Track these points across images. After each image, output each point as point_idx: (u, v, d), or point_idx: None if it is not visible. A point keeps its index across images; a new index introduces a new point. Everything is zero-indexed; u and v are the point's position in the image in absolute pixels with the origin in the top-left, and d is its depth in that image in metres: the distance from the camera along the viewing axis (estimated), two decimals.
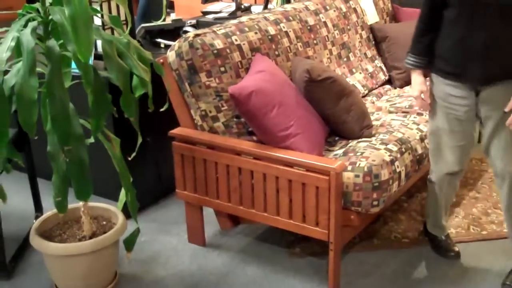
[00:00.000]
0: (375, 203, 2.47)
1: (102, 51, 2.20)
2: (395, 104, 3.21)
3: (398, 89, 3.66)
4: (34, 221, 3.02)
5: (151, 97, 2.38)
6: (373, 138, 2.71)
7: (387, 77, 3.72)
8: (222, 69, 2.72)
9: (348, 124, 2.74)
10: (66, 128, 2.21)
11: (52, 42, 2.21)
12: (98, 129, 2.34)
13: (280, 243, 2.97)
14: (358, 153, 2.54)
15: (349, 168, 2.47)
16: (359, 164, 2.46)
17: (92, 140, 2.41)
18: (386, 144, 2.62)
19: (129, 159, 2.57)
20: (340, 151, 2.63)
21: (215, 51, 2.71)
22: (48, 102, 2.15)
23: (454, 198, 2.89)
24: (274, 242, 2.98)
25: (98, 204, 2.77)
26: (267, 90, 2.54)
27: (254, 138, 2.72)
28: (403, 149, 2.64)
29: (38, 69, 2.37)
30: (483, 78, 2.32)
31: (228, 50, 2.76)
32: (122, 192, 2.69)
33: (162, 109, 2.55)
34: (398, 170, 2.55)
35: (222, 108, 2.71)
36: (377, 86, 3.61)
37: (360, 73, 3.53)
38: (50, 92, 2.15)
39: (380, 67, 3.72)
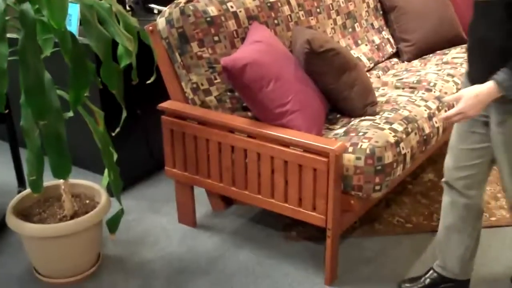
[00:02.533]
0: (377, 187, 2.28)
1: (81, 17, 1.99)
2: (402, 79, 2.99)
3: (406, 62, 3.44)
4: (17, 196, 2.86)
5: (135, 68, 2.18)
6: (377, 116, 2.50)
7: (394, 50, 3.50)
8: (216, 38, 2.51)
9: (351, 101, 2.53)
10: (41, 101, 2.01)
11: (26, 6, 1.99)
12: (78, 102, 2.14)
13: (275, 226, 2.80)
14: (360, 133, 2.34)
15: (350, 149, 2.27)
16: (361, 145, 2.27)
17: (71, 114, 2.22)
18: (391, 124, 2.42)
19: (113, 134, 2.39)
20: (341, 131, 2.44)
21: (208, 19, 2.49)
22: (20, 72, 1.95)
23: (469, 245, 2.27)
24: (268, 225, 2.81)
25: (80, 181, 2.60)
26: (263, 63, 2.34)
27: (249, 114, 2.52)
28: (409, 129, 2.44)
29: (13, 35, 2.18)
30: None
31: (222, 18, 2.54)
32: (106, 170, 2.52)
33: (148, 81, 2.35)
34: (403, 152, 2.36)
35: (215, 81, 2.51)
36: (383, 59, 3.39)
37: (366, 45, 3.31)
38: (22, 61, 1.94)
39: (388, 38, 3.49)
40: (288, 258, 2.58)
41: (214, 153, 2.50)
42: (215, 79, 2.50)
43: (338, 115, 2.64)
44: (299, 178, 2.30)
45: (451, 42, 3.49)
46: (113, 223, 2.42)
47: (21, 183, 3.02)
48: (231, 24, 2.57)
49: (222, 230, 2.78)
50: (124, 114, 2.31)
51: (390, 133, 2.35)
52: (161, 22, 2.53)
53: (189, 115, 2.53)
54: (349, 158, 2.26)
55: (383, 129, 2.36)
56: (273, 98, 2.33)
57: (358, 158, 2.25)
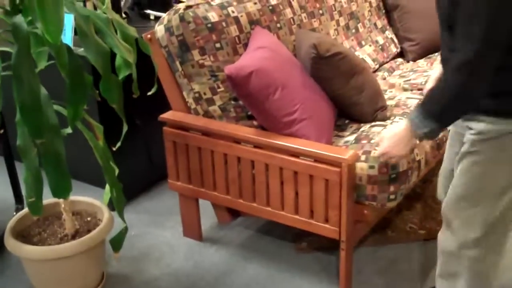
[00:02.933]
0: (392, 197, 2.19)
1: (77, 28, 1.88)
2: (409, 80, 2.90)
3: (411, 62, 3.34)
4: (14, 213, 2.75)
5: (136, 81, 2.08)
6: (388, 122, 2.41)
7: (398, 50, 3.40)
8: (218, 45, 2.40)
9: (360, 106, 2.44)
10: (38, 119, 1.91)
11: (19, 18, 1.89)
12: (76, 117, 2.03)
13: (284, 237, 2.70)
14: (373, 140, 2.24)
15: (363, 158, 2.18)
16: (374, 153, 2.17)
17: (70, 131, 2.11)
18: None
19: (114, 149, 2.28)
20: (352, 138, 2.34)
21: (209, 25, 2.39)
22: (14, 88, 1.85)
23: None
24: (278, 236, 2.71)
25: (81, 198, 2.49)
26: (268, 70, 2.23)
27: (255, 123, 2.42)
28: None
29: (6, 48, 2.08)
30: None
31: (224, 24, 2.44)
32: (108, 186, 2.42)
33: (149, 93, 2.24)
34: (417, 158, 2.26)
35: (218, 90, 2.40)
36: (388, 59, 3.30)
37: (370, 45, 3.21)
38: (17, 77, 1.84)
39: (391, 38, 3.39)
40: (300, 271, 2.48)
41: (220, 164, 2.40)
42: (218, 87, 2.40)
43: (347, 121, 2.54)
44: (310, 189, 2.21)
45: None
46: (117, 242, 2.31)
47: (19, 201, 2.90)
48: (233, 30, 2.46)
49: (229, 243, 2.68)
50: (125, 128, 2.21)
51: None
52: (159, 29, 2.42)
53: (192, 126, 2.42)
54: (361, 167, 2.16)
55: None
56: (280, 106, 2.23)
57: (371, 167, 2.15)
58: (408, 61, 3.37)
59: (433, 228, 2.70)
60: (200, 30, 2.36)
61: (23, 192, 2.09)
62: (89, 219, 2.45)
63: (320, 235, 2.62)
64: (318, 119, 2.29)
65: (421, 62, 3.26)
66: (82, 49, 1.99)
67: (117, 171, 2.27)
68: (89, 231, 2.35)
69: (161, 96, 2.52)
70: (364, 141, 2.25)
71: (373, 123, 2.43)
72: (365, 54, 3.13)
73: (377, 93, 2.45)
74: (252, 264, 2.53)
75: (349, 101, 2.43)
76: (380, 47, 3.26)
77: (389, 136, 1.84)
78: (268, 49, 2.35)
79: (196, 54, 2.37)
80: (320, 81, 2.41)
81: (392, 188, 2.17)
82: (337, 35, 3.02)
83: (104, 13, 2.00)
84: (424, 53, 3.35)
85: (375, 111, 2.44)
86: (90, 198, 2.49)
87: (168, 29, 2.38)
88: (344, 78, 2.39)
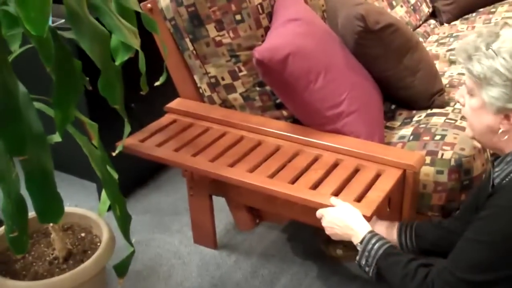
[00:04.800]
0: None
1: (65, 6, 1.38)
2: (453, 49, 2.45)
3: (446, 25, 2.88)
4: None
5: (145, 75, 1.59)
6: (449, 109, 1.97)
7: (430, 10, 2.94)
8: (238, 17, 1.91)
9: (414, 90, 1.99)
10: (17, 129, 1.42)
11: None
12: (66, 121, 1.54)
13: (312, 241, 2.27)
14: (437, 137, 1.81)
15: (428, 160, 1.75)
16: (443, 154, 1.74)
17: (58, 138, 1.62)
18: None
19: (113, 155, 1.82)
20: (407, 131, 1.89)
21: None
22: None
23: None
24: (304, 240, 2.29)
25: (71, 209, 2.03)
26: (308, 50, 1.77)
27: (284, 113, 1.96)
28: None
29: None
30: None
31: None
32: (104, 193, 1.97)
33: (157, 83, 1.76)
34: (488, 157, 1.84)
35: (240, 74, 1.93)
36: (421, 22, 2.83)
37: (402, 6, 2.74)
38: None
39: None
40: (340, 284, 2.08)
41: None
42: (240, 70, 1.93)
43: (393, 106, 2.10)
44: None
45: None
46: (122, 267, 1.86)
47: None
48: None
49: (250, 251, 2.26)
50: (128, 129, 1.74)
51: None
52: None
53: (208, 119, 1.96)
54: (427, 172, 1.74)
55: (463, 128, 1.83)
56: (323, 97, 1.78)
57: (439, 172, 1.73)
58: (442, 23, 2.91)
59: None
60: None
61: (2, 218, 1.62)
62: (83, 235, 2.00)
63: None
64: (368, 110, 1.84)
65: (459, 25, 2.80)
66: (69, 31, 1.50)
67: (117, 177, 1.81)
68: (84, 251, 1.91)
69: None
70: (426, 137, 1.82)
71: (429, 111, 1.99)
72: (397, 17, 2.66)
73: (433, 73, 2.00)
74: (282, 278, 2.12)
75: (400, 84, 1.98)
76: (412, 7, 2.79)
77: (338, 219, 1.55)
78: (302, 21, 1.88)
79: (211, 30, 1.88)
80: (366, 60, 1.95)
81: (463, 197, 1.76)
82: None
83: None
84: (460, 13, 2.89)
85: (432, 95, 2.00)
86: (83, 210, 2.03)
87: None
88: (396, 56, 1.93)
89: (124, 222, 1.78)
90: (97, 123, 1.80)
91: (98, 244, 1.95)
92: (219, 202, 2.25)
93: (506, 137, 1.28)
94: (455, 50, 1.34)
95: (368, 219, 1.51)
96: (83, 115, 1.79)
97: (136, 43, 1.51)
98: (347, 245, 2.18)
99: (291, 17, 1.88)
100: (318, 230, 2.11)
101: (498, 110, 1.26)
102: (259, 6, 1.97)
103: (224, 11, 1.88)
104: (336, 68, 1.81)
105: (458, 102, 1.40)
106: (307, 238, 2.30)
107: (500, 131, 1.28)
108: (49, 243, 1.95)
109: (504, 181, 1.28)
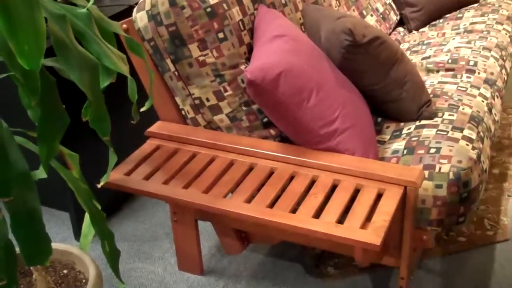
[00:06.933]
0: (461, 219, 1.75)
1: (51, 35, 1.27)
2: (428, 57, 2.44)
3: (415, 32, 2.88)
4: None
5: (135, 103, 1.49)
6: (438, 119, 1.95)
7: (398, 17, 2.93)
8: (221, 35, 1.84)
9: (402, 103, 1.96)
10: (1, 170, 1.31)
11: None
12: (51, 156, 1.44)
13: (302, 260, 2.22)
14: (432, 149, 1.78)
15: (426, 174, 1.71)
16: (440, 168, 1.71)
17: (43, 175, 1.51)
18: (461, 130, 1.87)
19: (98, 186, 1.71)
20: (399, 145, 1.86)
21: (209, 9, 1.82)
22: None
23: None
24: (294, 259, 2.23)
25: (52, 245, 1.90)
26: (299, 68, 1.71)
27: (272, 132, 1.90)
28: (482, 133, 1.91)
29: None
30: None
31: (224, 6, 1.87)
32: (86, 223, 1.86)
33: (143, 109, 1.66)
34: (484, 167, 1.83)
35: (226, 94, 1.85)
36: (390, 30, 2.82)
37: (372, 15, 2.72)
38: None
39: (390, 4, 2.91)
40: None
41: None
42: (225, 91, 1.85)
43: (379, 119, 2.06)
44: None
45: (460, 1, 2.96)
46: None
47: None
48: (236, 13, 1.90)
49: (239, 275, 2.18)
50: (114, 159, 1.63)
51: (467, 144, 1.81)
52: (140, 17, 1.82)
53: (193, 142, 1.87)
54: (425, 186, 1.71)
55: (457, 139, 1.81)
56: (317, 115, 1.72)
57: (438, 186, 1.70)
58: (410, 31, 2.91)
59: (473, 233, 2.31)
60: (198, 16, 1.79)
61: None
62: (65, 271, 1.87)
63: (346, 255, 2.18)
64: (360, 126, 1.79)
65: (429, 32, 2.80)
66: (50, 58, 1.40)
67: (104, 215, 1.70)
68: None
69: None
70: (420, 151, 1.79)
71: (417, 123, 1.96)
72: None
73: (421, 85, 1.98)
74: None
75: (388, 97, 1.95)
76: (381, 16, 2.78)
77: None
78: (288, 37, 1.81)
79: (194, 49, 1.80)
80: (353, 74, 1.91)
81: (462, 209, 1.73)
82: (339, 6, 2.50)
83: (83, 6, 1.39)
84: (428, 20, 2.90)
85: (420, 107, 1.97)
86: (64, 245, 1.90)
87: (154, 17, 1.79)
88: (383, 68, 1.90)
89: (114, 257, 1.68)
90: (77, 147, 1.70)
91: (84, 281, 1.83)
92: (201, 224, 2.16)
93: None
94: None
95: (378, 247, 1.45)
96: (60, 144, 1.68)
97: (125, 69, 1.42)
98: (338, 262, 2.14)
99: (277, 33, 1.82)
100: (306, 248, 2.06)
101: None
102: (240, 23, 1.90)
103: (207, 29, 1.80)
104: (327, 84, 1.76)
105: None
106: (295, 255, 2.24)
107: None
108: (29, 283, 1.82)
109: None
